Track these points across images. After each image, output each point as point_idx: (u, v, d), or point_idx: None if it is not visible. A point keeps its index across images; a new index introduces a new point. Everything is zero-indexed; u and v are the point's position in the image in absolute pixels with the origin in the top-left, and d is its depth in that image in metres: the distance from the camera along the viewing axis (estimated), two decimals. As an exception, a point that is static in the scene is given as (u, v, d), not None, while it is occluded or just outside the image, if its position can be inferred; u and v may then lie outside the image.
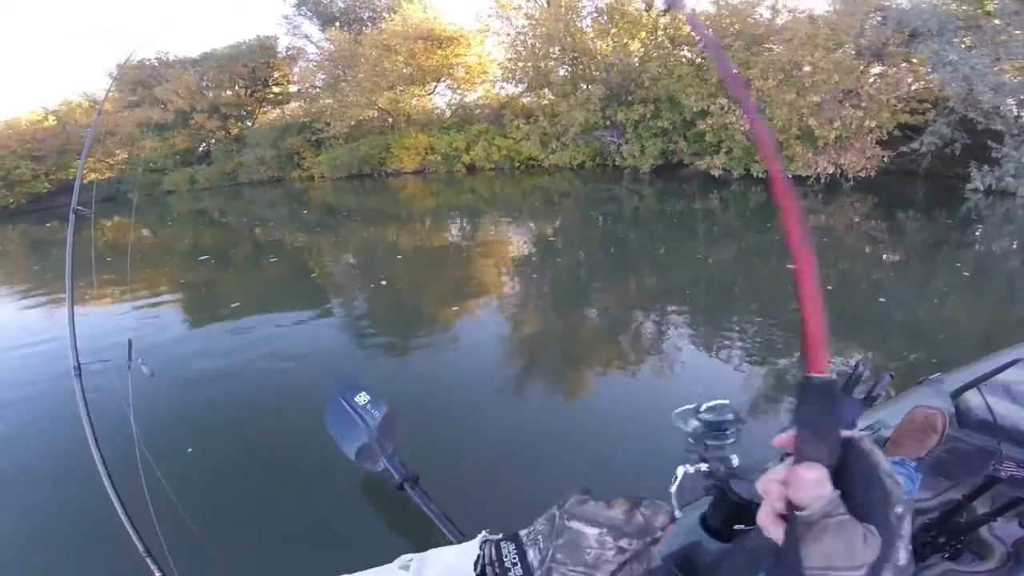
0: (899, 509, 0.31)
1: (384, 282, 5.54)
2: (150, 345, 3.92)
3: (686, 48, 11.40)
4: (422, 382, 3.21)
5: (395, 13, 14.95)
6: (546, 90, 12.54)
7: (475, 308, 4.56)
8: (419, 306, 4.88)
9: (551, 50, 11.84)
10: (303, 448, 2.36)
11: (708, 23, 10.90)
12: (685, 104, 10.08)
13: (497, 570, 0.44)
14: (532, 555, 0.44)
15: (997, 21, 10.17)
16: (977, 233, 7.11)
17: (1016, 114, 9.71)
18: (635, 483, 1.27)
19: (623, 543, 0.42)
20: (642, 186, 10.12)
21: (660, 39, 11.52)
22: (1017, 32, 9.78)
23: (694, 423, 0.93)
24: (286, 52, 18.03)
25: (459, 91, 15.59)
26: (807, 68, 9.13)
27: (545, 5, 13.23)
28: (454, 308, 4.57)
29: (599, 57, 11.39)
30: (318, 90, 16.15)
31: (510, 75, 13.18)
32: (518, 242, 7.13)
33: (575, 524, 0.43)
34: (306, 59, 17.91)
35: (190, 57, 17.29)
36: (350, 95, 14.07)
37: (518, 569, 0.43)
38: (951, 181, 9.42)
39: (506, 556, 0.44)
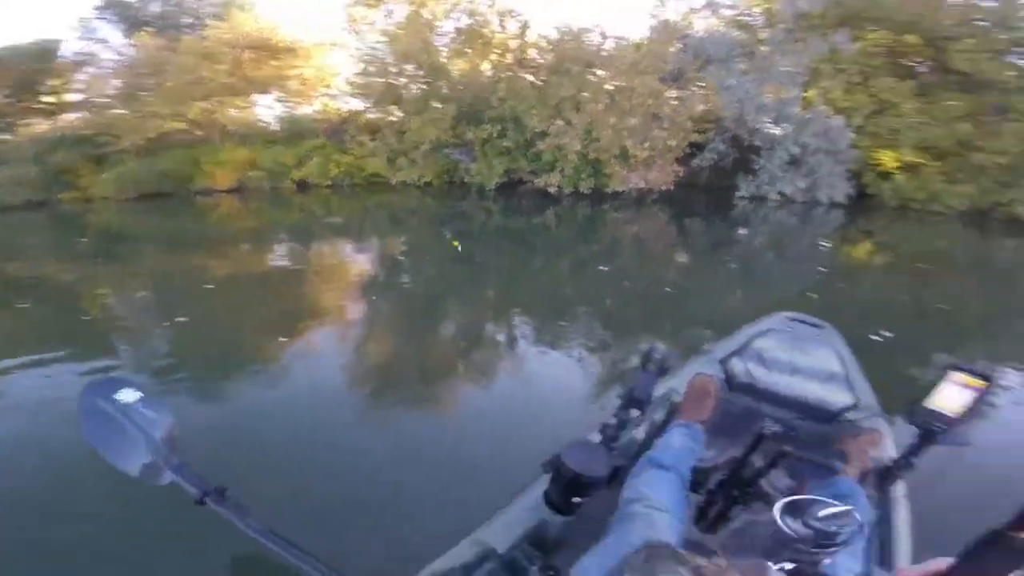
0: None
1: (184, 318, 4.45)
2: None
3: (529, 73, 11.93)
4: (240, 421, 2.82)
5: (222, 20, 13.31)
6: (394, 107, 12.17)
7: (309, 336, 4.14)
8: (237, 341, 4.13)
9: (405, 67, 11.68)
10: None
11: (551, 47, 11.89)
12: (528, 124, 10.72)
13: None
14: None
15: (764, 48, 13.04)
16: (742, 232, 9.18)
17: (769, 131, 11.88)
18: (499, 492, 1.34)
19: None
20: (488, 203, 10.40)
21: (509, 61, 12.03)
22: (778, 58, 12.64)
23: (803, 528, 0.81)
24: (72, 57, 14.68)
25: (290, 103, 14.29)
26: (630, 93, 10.37)
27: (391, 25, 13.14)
28: (281, 339, 4.00)
29: (455, 76, 11.57)
30: (109, 100, 13.32)
31: (359, 90, 12.69)
32: (360, 262, 6.66)
33: None
34: (98, 66, 14.70)
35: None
36: (152, 105, 12.05)
37: None
38: (725, 191, 12.02)
39: None
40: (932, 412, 1.28)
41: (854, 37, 14.38)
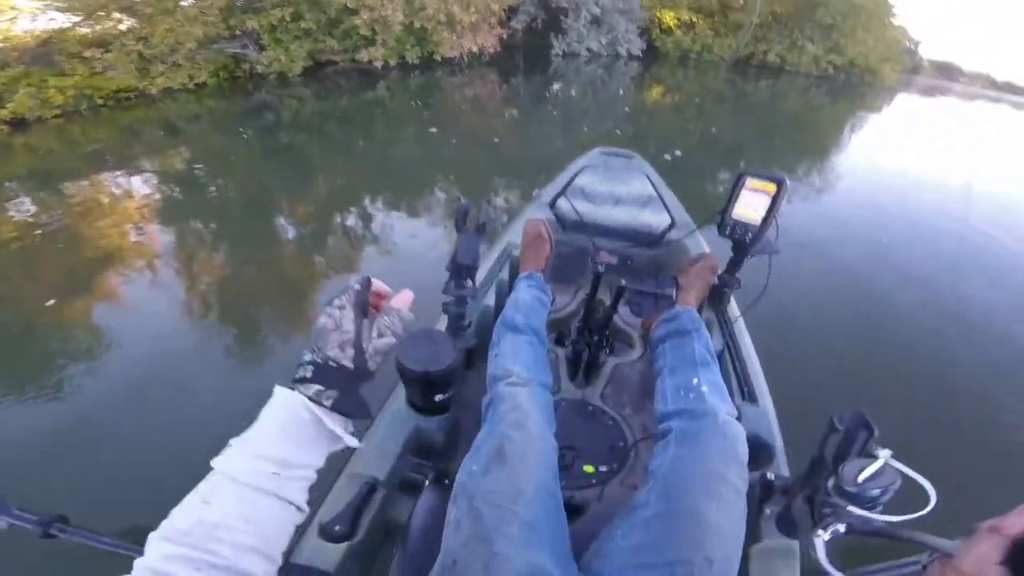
0: None
1: None
2: None
3: None
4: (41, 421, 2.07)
5: None
6: (123, 15, 9.43)
7: (103, 297, 3.02)
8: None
9: None
10: None
11: None
12: (328, 2, 9.36)
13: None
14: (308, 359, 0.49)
15: None
16: (560, 85, 9.86)
17: None
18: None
19: (337, 302, 0.50)
20: (295, 89, 8.92)
21: None
22: None
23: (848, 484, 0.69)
24: None
25: None
26: None
27: None
28: (67, 310, 2.87)
29: None
30: None
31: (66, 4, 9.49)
32: (141, 193, 4.81)
33: (318, 322, 0.50)
34: None
35: None
36: None
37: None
38: (542, 50, 12.76)
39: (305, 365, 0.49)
40: (737, 222, 1.30)
41: None
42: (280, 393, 0.46)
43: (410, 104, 8.13)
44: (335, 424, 0.46)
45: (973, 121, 14.61)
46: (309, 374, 0.47)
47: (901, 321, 2.64)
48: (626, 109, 8.00)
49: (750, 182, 1.29)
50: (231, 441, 0.44)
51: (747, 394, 1.15)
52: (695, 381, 1.03)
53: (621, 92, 9.89)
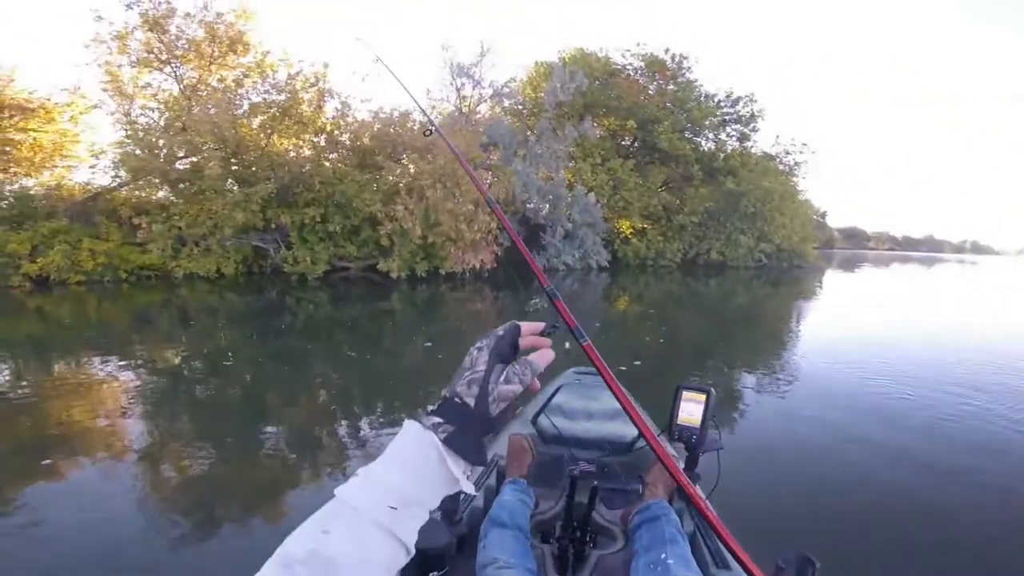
0: None
1: None
2: None
3: (344, 156, 12.06)
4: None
5: None
6: (187, 185, 10.29)
7: (46, 476, 2.95)
8: None
9: (201, 141, 10.05)
10: None
11: (371, 134, 12.02)
12: (358, 209, 10.70)
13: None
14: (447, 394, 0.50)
15: (533, 136, 15.67)
16: (535, 302, 10.76)
17: (548, 211, 14.73)
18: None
19: (480, 343, 0.52)
20: (312, 293, 9.57)
21: (322, 144, 11.88)
22: (545, 145, 15.00)
23: None
24: None
25: (8, 174, 11.03)
26: (457, 178, 11.15)
27: (176, 91, 11.99)
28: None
29: (271, 155, 10.59)
30: None
31: (130, 163, 10.46)
32: (129, 382, 4.78)
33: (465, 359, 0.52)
34: None
35: None
36: None
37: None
38: (521, 266, 13.67)
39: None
40: (683, 427, 1.49)
41: (595, 124, 18.71)
42: (411, 427, 0.47)
43: (417, 315, 8.84)
44: (456, 467, 0.46)
45: (895, 283, 16.48)
46: (435, 407, 0.48)
47: (860, 481, 2.99)
48: (596, 324, 8.64)
49: (685, 394, 1.49)
50: (359, 470, 0.44)
51: (719, 562, 1.32)
52: (663, 556, 1.17)
53: (593, 303, 11.03)
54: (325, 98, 12.15)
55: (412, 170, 11.39)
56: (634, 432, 1.98)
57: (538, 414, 2.10)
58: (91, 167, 11.51)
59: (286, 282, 10.33)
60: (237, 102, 11.57)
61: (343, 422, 4.02)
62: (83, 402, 4.24)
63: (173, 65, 12.57)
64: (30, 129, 11.14)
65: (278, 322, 7.74)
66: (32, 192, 10.86)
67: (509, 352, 0.52)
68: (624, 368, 4.86)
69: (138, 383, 4.71)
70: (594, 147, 18.14)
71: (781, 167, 22.21)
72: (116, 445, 3.38)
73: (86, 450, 3.30)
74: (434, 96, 17.07)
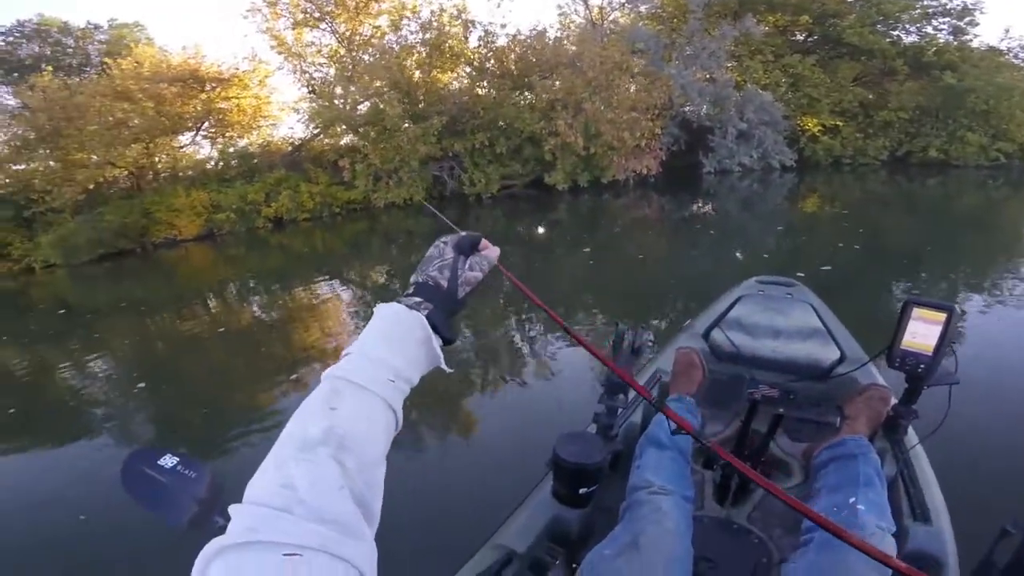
0: None
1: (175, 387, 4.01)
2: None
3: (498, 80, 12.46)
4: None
5: (123, 57, 12.15)
6: (366, 128, 11.61)
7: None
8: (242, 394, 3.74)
9: (376, 85, 11.28)
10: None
11: (514, 53, 12.23)
12: (519, 129, 11.20)
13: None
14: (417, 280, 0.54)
15: (683, 39, 14.23)
16: (713, 204, 10.00)
17: (711, 112, 13.28)
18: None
19: (444, 239, 0.56)
20: (487, 210, 10.37)
21: (479, 69, 12.42)
22: (700, 45, 13.58)
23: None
24: None
25: (226, 138, 13.36)
26: (612, 89, 11.17)
27: (335, 44, 13.29)
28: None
29: (439, 90, 11.56)
30: (11, 152, 11.54)
31: (324, 115, 12.12)
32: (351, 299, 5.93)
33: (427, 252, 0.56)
34: None
35: None
36: (76, 153, 10.68)
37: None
38: (691, 170, 12.94)
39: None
40: (907, 352, 1.26)
41: (758, 21, 16.20)
42: (394, 308, 0.49)
43: (581, 225, 9.02)
44: (437, 344, 0.49)
45: None
46: (411, 290, 0.52)
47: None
48: (779, 228, 7.85)
49: (917, 311, 1.24)
50: (348, 349, 0.45)
51: (919, 515, 1.11)
52: (851, 500, 1.00)
53: (775, 205, 10.05)
54: (469, 29, 12.34)
55: (558, 85, 11.26)
56: (834, 354, 1.70)
57: (712, 327, 1.86)
58: (289, 125, 13.66)
59: (464, 202, 11.32)
60: (393, 46, 12.33)
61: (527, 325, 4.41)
62: (318, 319, 5.20)
63: (327, 21, 13.58)
64: (231, 97, 13.03)
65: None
66: (250, 151, 13.04)
67: (468, 249, 0.56)
68: (803, 274, 4.07)
69: (359, 297, 5.78)
70: (762, 44, 15.64)
71: (1017, 62, 16.70)
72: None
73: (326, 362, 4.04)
74: (563, 9, 16.24)
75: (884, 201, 10.19)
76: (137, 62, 11.87)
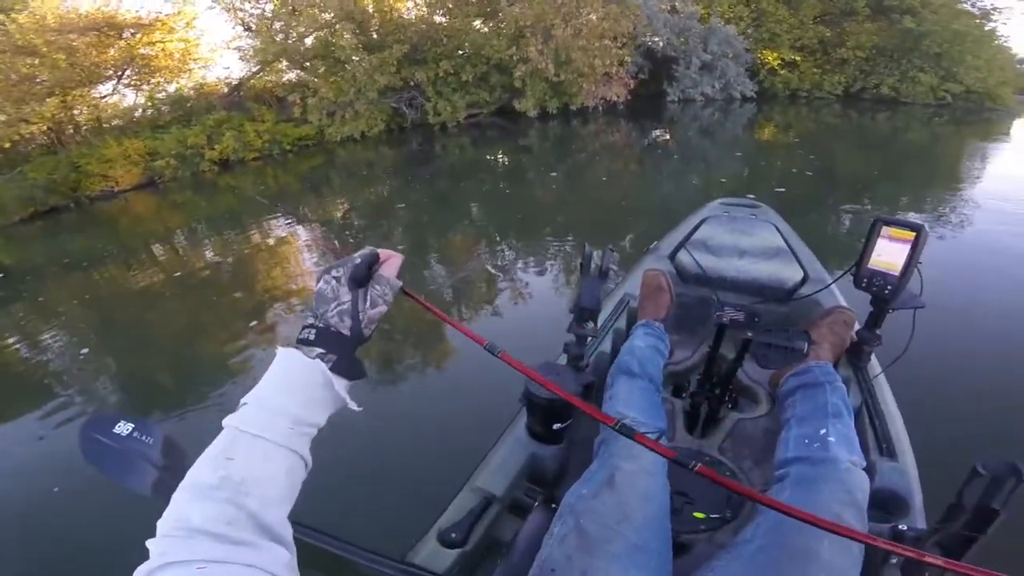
0: None
1: (128, 344, 3.67)
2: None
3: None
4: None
5: (17, 12, 10.51)
6: (317, 61, 10.93)
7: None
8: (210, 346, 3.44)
9: (325, 17, 10.45)
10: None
11: None
12: (488, 57, 10.89)
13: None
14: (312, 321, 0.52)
15: None
16: (676, 129, 10.48)
17: (675, 43, 13.25)
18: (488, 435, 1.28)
19: (335, 273, 0.52)
20: (455, 139, 10.10)
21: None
22: None
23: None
24: None
25: (153, 84, 12.25)
26: (592, 16, 11.11)
27: None
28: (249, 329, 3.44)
29: (396, 18, 10.94)
30: None
31: (268, 51, 11.26)
32: (345, 222, 5.84)
33: (316, 287, 0.53)
34: None
35: None
36: None
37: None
38: (655, 99, 13.44)
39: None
40: (875, 272, 1.23)
41: None
42: (292, 355, 0.48)
43: (552, 151, 8.96)
44: (341, 386, 0.49)
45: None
46: (312, 337, 0.49)
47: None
48: (738, 154, 8.05)
49: (886, 230, 1.21)
50: (245, 399, 0.46)
51: (885, 449, 1.09)
52: (822, 432, 0.99)
53: (737, 134, 10.22)
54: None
55: (528, 12, 10.76)
56: (798, 275, 1.67)
57: (678, 249, 1.82)
58: (225, 66, 12.71)
59: (428, 132, 10.99)
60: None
61: (494, 249, 4.40)
62: (277, 261, 4.90)
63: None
64: (155, 42, 11.98)
65: (430, 167, 8.31)
66: (183, 95, 12.01)
67: (365, 275, 0.53)
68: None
69: (315, 235, 5.50)
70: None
71: (974, 10, 17.08)
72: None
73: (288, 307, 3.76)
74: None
75: (837, 132, 10.68)
76: (38, 16, 10.49)
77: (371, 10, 10.90)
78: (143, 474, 1.11)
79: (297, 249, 5.26)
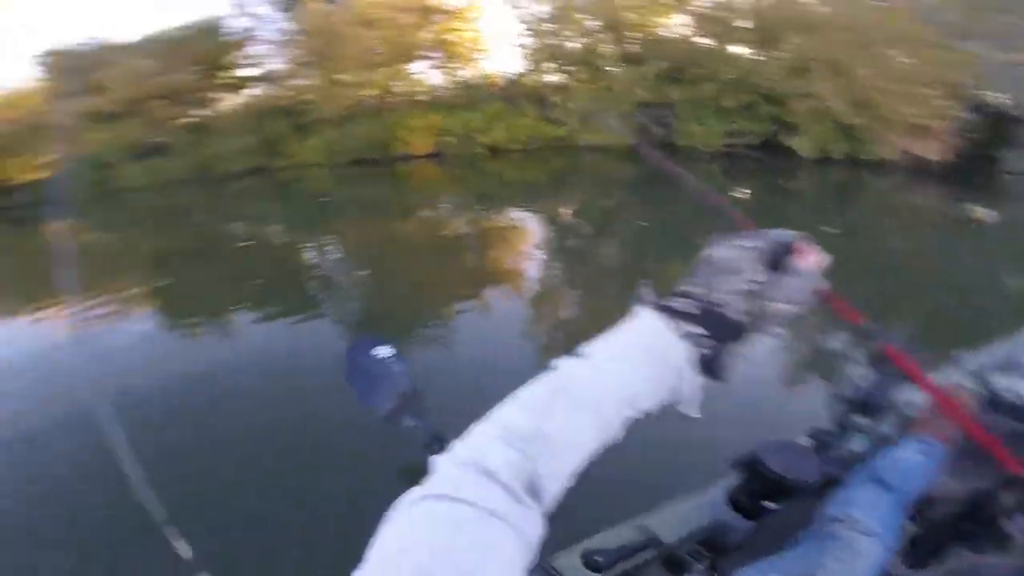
0: None
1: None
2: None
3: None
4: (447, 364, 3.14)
5: None
6: (579, 68, 11.61)
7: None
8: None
9: (591, 26, 11.17)
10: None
11: (761, 13, 10.62)
12: (757, 84, 9.96)
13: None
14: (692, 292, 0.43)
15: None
16: (1007, 207, 7.56)
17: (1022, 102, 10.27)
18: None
19: (747, 243, 0.43)
20: (704, 165, 9.58)
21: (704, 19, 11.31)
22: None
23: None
24: (238, 34, 15.60)
25: (448, 68, 14.33)
26: (904, 59, 9.12)
27: None
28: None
29: (656, 35, 11.04)
30: (287, 71, 14.26)
31: (533, 55, 12.46)
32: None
33: (714, 251, 0.44)
34: (261, 40, 15.48)
35: (132, 42, 14.69)
36: (341, 74, 12.73)
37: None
38: (974, 163, 9.89)
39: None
40: None
41: None
42: (654, 323, 0.41)
43: (830, 200, 7.79)
44: (696, 387, 0.41)
45: None
46: (695, 311, 0.41)
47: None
48: None
49: None
50: (586, 349, 0.40)
51: None
52: None
53: None
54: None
55: (815, 43, 9.48)
56: None
57: (991, 369, 1.50)
58: (501, 60, 13.79)
59: (673, 154, 10.48)
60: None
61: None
62: (512, 243, 5.83)
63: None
64: (455, 29, 13.79)
65: (669, 188, 8.03)
66: (473, 82, 13.87)
67: (781, 260, 0.43)
68: None
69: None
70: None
71: None
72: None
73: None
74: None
75: None
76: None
77: (634, 22, 11.02)
78: (384, 398, 1.22)
79: (532, 237, 6.16)
